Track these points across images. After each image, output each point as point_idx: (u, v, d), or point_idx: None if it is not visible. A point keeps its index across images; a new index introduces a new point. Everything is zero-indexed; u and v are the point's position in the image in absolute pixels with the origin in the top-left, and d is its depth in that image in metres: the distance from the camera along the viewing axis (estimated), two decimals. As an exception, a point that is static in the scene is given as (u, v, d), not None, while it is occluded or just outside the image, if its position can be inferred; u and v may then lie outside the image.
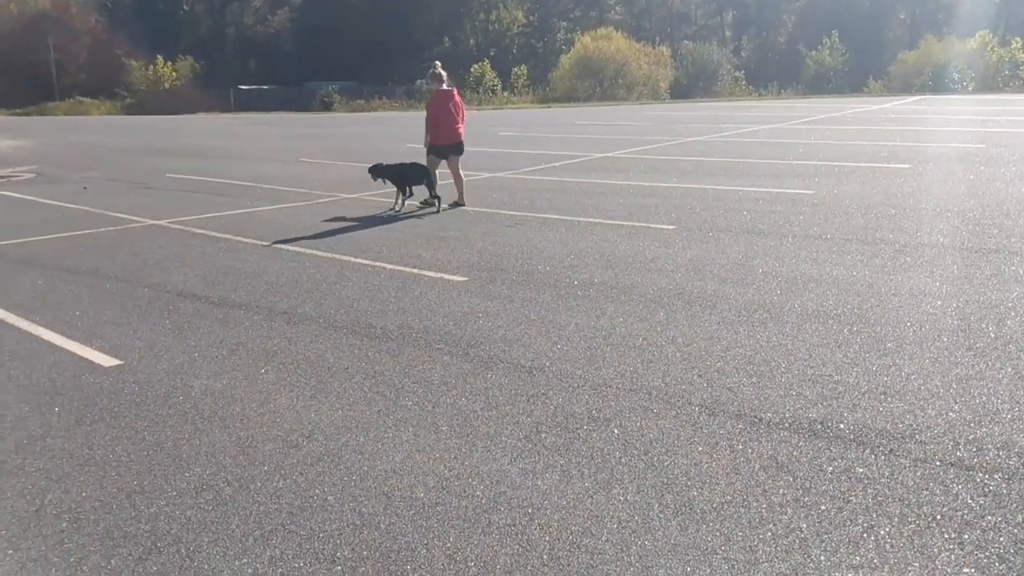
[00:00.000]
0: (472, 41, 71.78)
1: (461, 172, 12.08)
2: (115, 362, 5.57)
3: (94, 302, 7.13)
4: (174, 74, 61.73)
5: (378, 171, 11.88)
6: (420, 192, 11.89)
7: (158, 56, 60.69)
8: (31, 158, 21.38)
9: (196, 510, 3.61)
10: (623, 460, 3.96)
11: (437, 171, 11.98)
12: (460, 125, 11.93)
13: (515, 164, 17.37)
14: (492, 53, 67.32)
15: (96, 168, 18.66)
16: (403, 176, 11.77)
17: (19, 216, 12.14)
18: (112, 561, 3.24)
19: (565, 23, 76.31)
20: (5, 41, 60.60)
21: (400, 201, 11.74)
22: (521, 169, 16.50)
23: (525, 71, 61.81)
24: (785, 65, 68.10)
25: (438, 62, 12.22)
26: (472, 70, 59.56)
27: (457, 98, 11.96)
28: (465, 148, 12.09)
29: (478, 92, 57.83)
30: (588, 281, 7.36)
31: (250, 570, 3.15)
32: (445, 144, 11.88)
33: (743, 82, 63.70)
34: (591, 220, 10.44)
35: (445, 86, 11.85)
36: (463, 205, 11.86)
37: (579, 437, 4.22)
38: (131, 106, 56.20)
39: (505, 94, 58.41)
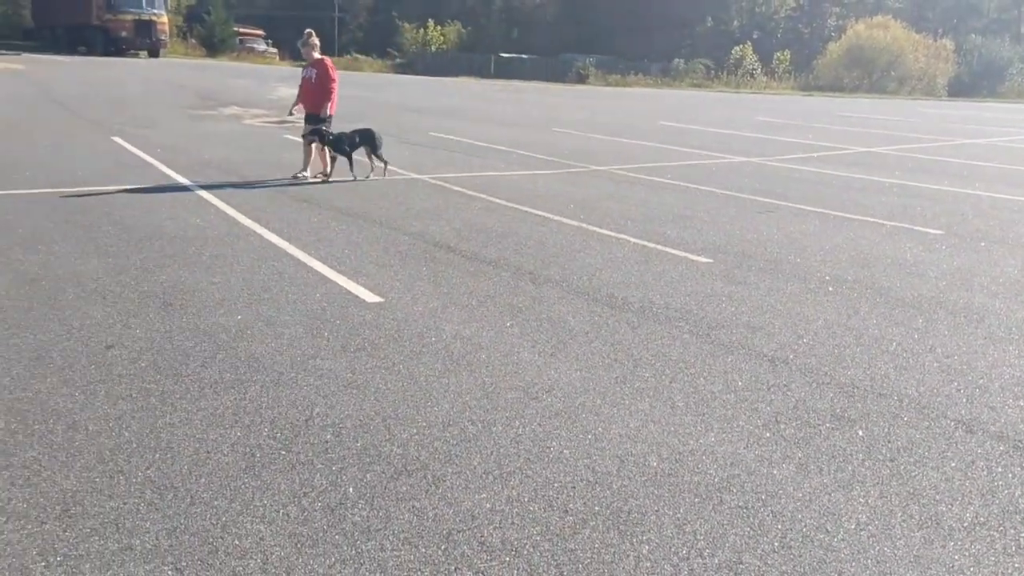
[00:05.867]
0: (736, 22, 69.60)
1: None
2: (377, 299, 6.03)
3: (361, 242, 7.71)
4: (441, 38, 64.70)
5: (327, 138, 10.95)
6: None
7: (429, 20, 63.80)
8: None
9: (442, 442, 3.87)
10: (866, 463, 3.81)
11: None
12: None
13: (770, 151, 16.82)
14: (755, 36, 65.07)
15: (367, 121, 19.97)
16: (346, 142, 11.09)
17: (297, 158, 13.26)
18: (368, 475, 3.55)
19: (838, 8, 72.15)
20: (298, -3, 66.07)
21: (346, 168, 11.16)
22: (776, 156, 15.95)
23: (788, 56, 59.30)
24: (1090, 68, 60.88)
25: (311, 30, 11.47)
26: (732, 52, 57.97)
27: None
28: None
29: (735, 75, 56.25)
30: (840, 278, 7.05)
31: (488, 505, 3.35)
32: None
33: (1035, 84, 57.72)
34: (848, 216, 9.95)
35: (317, 55, 11.21)
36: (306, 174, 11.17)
37: (820, 434, 4.10)
38: (400, 66, 59.47)
39: (764, 79, 56.41)
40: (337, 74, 11.33)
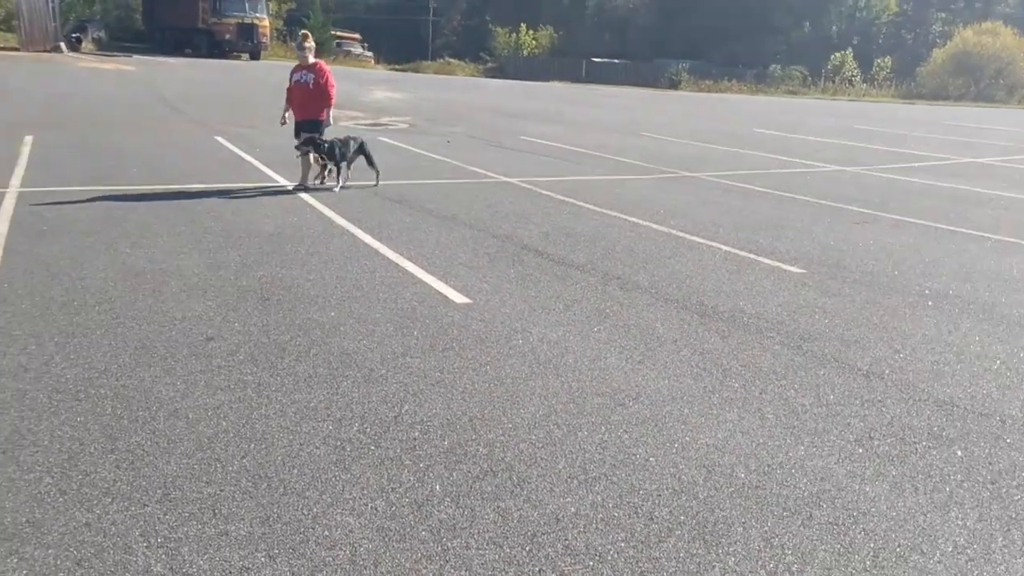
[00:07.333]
0: (834, 28, 67.84)
1: None
2: (466, 300, 6.09)
3: (450, 244, 7.80)
4: (534, 42, 64.94)
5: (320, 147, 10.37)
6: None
7: (522, 24, 64.08)
8: (406, 110, 23.61)
9: (528, 444, 3.89)
10: (964, 484, 3.68)
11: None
12: None
13: (868, 160, 16.37)
14: (855, 41, 63.31)
15: (459, 124, 20.22)
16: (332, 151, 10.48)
17: (393, 160, 13.48)
18: (454, 474, 3.59)
19: (944, 14, 69.69)
20: (394, 3, 67.28)
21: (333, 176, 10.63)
22: (875, 166, 15.51)
23: (889, 63, 57.55)
24: None
25: (307, 32, 10.85)
26: (832, 58, 56.59)
27: None
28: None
29: (833, 82, 54.90)
30: (941, 292, 6.82)
31: (573, 509, 3.35)
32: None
33: None
34: (950, 228, 9.61)
35: (312, 59, 10.50)
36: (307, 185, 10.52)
37: (916, 452, 3.98)
38: (491, 70, 59.90)
39: (863, 86, 54.89)
40: (334, 78, 10.71)
